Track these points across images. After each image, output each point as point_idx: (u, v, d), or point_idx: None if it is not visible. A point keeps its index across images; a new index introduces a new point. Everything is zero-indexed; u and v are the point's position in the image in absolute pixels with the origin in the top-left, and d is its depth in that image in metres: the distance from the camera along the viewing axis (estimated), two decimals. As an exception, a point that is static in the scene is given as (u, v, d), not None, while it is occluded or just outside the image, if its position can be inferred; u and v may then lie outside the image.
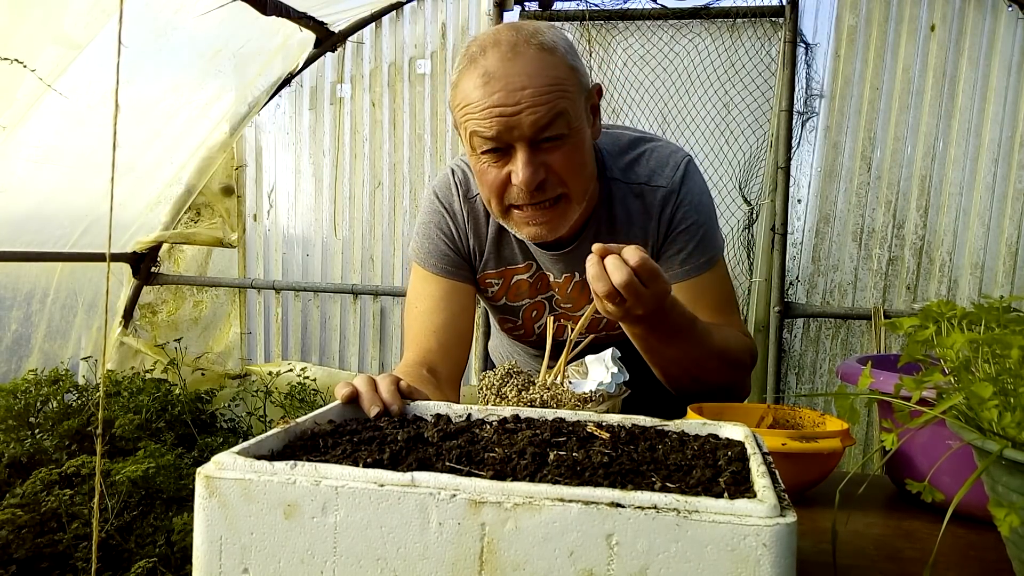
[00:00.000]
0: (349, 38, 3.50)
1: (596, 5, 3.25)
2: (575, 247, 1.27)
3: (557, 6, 3.28)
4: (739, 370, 1.22)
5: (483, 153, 1.11)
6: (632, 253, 0.95)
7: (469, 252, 1.35)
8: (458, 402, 1.30)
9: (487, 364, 1.83)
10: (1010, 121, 2.91)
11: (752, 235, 3.15)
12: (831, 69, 3.07)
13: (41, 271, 3.12)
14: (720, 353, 1.16)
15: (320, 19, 3.25)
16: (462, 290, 1.34)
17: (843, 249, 3.11)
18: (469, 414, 0.84)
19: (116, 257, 3.44)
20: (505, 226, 1.23)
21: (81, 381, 3.09)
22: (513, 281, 1.36)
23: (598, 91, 1.19)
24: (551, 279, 1.35)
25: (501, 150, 1.10)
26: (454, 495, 0.56)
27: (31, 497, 2.19)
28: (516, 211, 1.16)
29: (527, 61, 1.06)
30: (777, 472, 0.64)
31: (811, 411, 1.16)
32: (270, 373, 3.51)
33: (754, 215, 3.14)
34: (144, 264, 3.60)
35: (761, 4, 3.07)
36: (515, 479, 0.59)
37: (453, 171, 1.35)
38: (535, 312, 1.39)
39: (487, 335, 3.38)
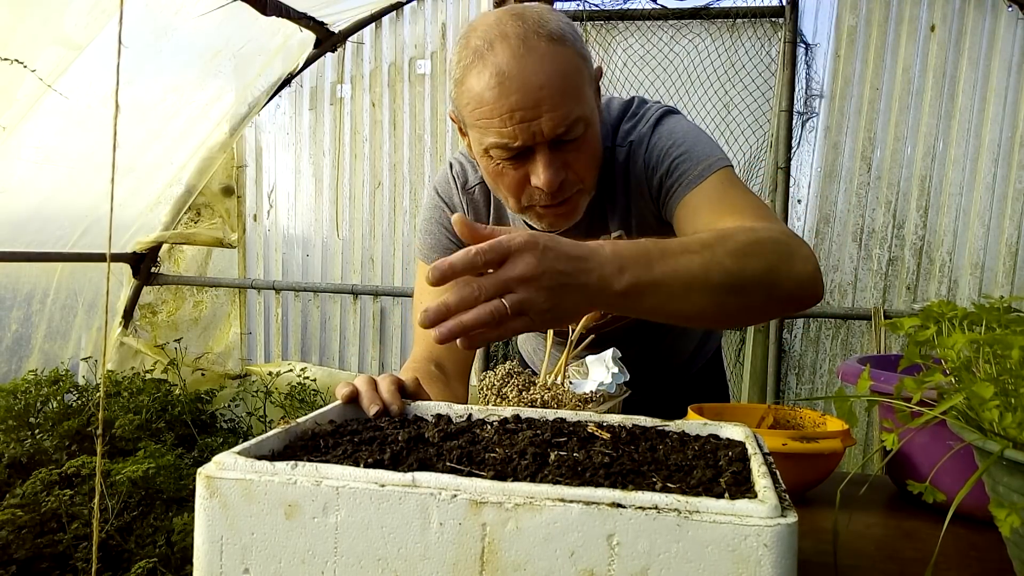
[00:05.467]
0: (349, 38, 3.49)
1: (596, 5, 3.25)
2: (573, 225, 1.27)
3: (557, 6, 3.28)
4: (783, 260, 0.92)
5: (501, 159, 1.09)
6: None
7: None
8: (467, 395, 1.29)
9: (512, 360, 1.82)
10: (1010, 121, 2.91)
11: (752, 235, 3.15)
12: (831, 69, 3.06)
13: (41, 271, 3.12)
14: (737, 272, 0.87)
15: (320, 19, 3.25)
16: None
17: (843, 249, 3.11)
18: (470, 414, 0.84)
19: (116, 257, 3.44)
20: (523, 219, 1.23)
21: (81, 381, 3.09)
22: None
23: (599, 73, 1.18)
24: None
25: (520, 153, 1.07)
26: (455, 495, 0.55)
27: (31, 497, 2.19)
28: (537, 208, 1.15)
29: (540, 57, 1.02)
30: (778, 472, 0.64)
31: (812, 411, 1.16)
32: (270, 373, 3.51)
33: (754, 215, 3.14)
34: (144, 264, 3.60)
35: (761, 4, 3.07)
36: (516, 479, 0.59)
37: (451, 165, 1.36)
38: None
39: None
